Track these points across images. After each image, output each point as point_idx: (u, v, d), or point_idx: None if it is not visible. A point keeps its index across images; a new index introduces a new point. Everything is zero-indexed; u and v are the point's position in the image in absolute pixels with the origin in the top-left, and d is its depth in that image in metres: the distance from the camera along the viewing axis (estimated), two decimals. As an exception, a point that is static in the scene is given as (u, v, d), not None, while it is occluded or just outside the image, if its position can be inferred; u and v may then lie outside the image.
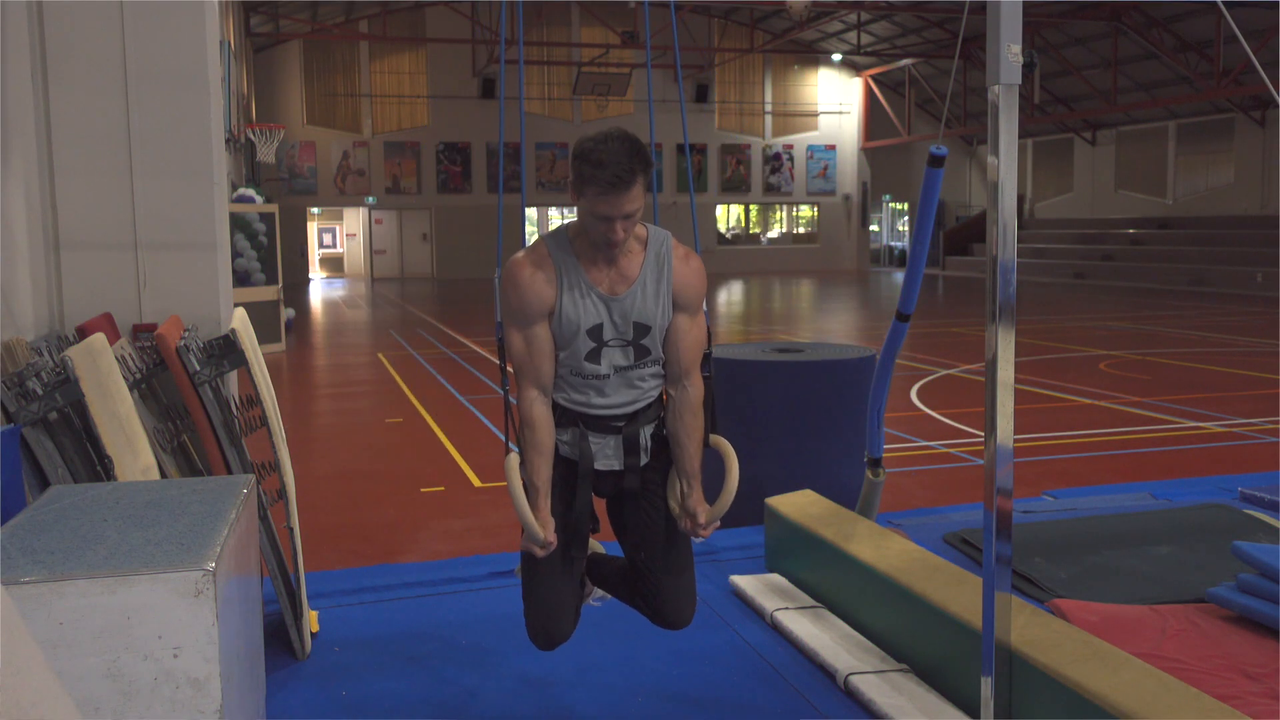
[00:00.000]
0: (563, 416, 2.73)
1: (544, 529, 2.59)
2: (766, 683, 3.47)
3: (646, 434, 2.77)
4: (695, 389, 2.77)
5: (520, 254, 2.67)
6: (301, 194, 30.68)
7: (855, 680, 3.34)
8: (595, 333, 2.62)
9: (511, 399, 2.80)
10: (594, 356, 2.64)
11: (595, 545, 3.11)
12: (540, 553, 2.60)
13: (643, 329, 2.65)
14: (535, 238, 2.70)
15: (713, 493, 2.77)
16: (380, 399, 10.57)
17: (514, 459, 2.68)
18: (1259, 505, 5.06)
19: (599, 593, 3.11)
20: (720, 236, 35.23)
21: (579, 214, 2.58)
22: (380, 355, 14.03)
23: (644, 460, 2.77)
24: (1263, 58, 21.42)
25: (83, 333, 3.71)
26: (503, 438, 8.13)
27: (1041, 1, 23.52)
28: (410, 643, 3.79)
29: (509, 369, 2.75)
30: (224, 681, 2.19)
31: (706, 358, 2.84)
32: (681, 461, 2.78)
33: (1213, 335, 15.26)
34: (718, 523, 2.76)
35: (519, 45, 3.44)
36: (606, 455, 2.73)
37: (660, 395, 2.81)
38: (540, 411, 2.66)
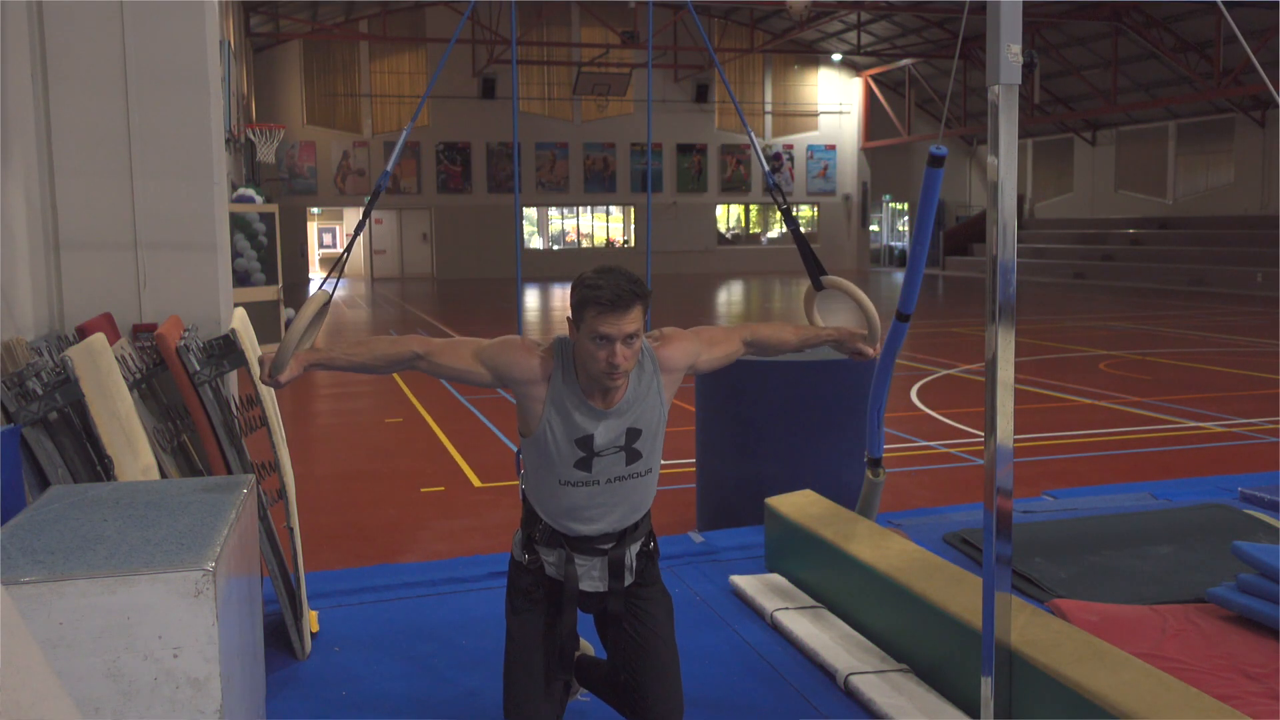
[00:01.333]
0: (550, 538, 2.71)
1: (287, 368, 2.57)
2: (766, 683, 3.47)
3: (632, 553, 2.75)
4: (759, 329, 2.93)
5: (533, 341, 2.68)
6: (301, 194, 30.68)
7: (855, 680, 3.34)
8: (585, 443, 2.60)
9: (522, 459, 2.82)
10: (585, 465, 2.62)
11: (584, 646, 3.10)
12: (265, 379, 2.59)
13: (634, 433, 2.63)
14: (553, 338, 2.68)
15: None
16: (380, 399, 10.57)
17: (321, 295, 2.70)
18: (1259, 505, 5.06)
19: (584, 691, 3.10)
20: (720, 236, 35.22)
21: (579, 347, 2.55)
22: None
23: (629, 580, 2.75)
24: (1263, 58, 21.42)
25: (83, 333, 3.71)
26: (505, 439, 8.12)
27: (1041, 1, 23.52)
28: (410, 643, 3.79)
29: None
30: (224, 681, 2.19)
31: (788, 214, 3.40)
32: (818, 341, 2.99)
33: (1213, 335, 15.26)
34: (879, 338, 3.01)
35: (513, 45, 3.42)
36: (592, 577, 2.72)
37: (649, 511, 2.80)
38: (391, 350, 2.66)
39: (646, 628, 2.76)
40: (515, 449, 2.86)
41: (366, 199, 2.88)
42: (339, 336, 17.08)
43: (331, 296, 2.77)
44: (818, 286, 3.21)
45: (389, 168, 3.11)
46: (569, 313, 2.56)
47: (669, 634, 2.80)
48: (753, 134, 3.60)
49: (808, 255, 3.26)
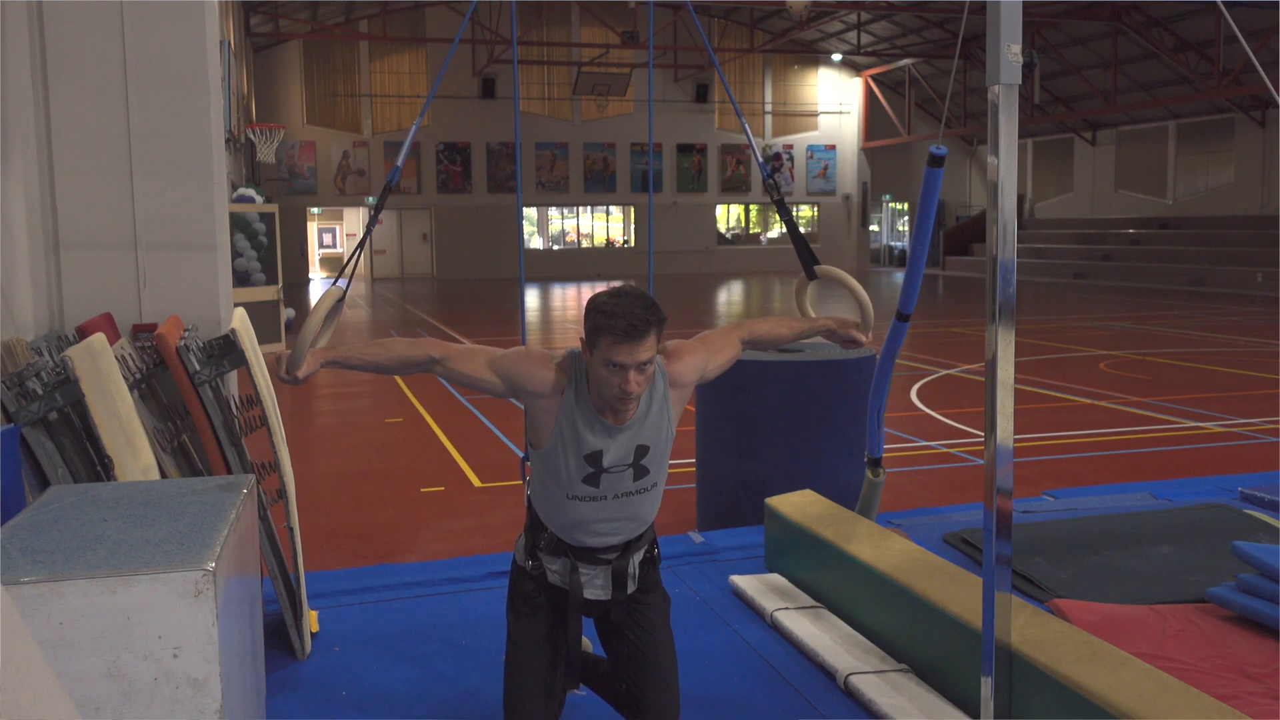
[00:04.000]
0: (555, 547, 2.71)
1: (304, 363, 2.56)
2: (766, 683, 3.47)
3: (635, 562, 2.76)
4: (753, 325, 2.96)
5: (550, 353, 2.68)
6: (301, 194, 30.68)
7: (855, 680, 3.34)
8: (595, 459, 2.59)
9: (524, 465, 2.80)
10: (593, 480, 2.62)
11: (584, 643, 3.09)
12: (284, 376, 2.57)
13: (643, 450, 2.63)
14: (565, 353, 2.68)
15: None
16: (380, 399, 10.57)
17: (334, 293, 2.69)
18: (1259, 505, 5.06)
19: (582, 686, 3.11)
20: (720, 236, 35.22)
21: (591, 370, 2.53)
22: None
23: (632, 588, 2.77)
24: (1263, 58, 21.43)
25: (83, 333, 3.71)
26: (505, 439, 8.12)
27: (1041, 1, 23.51)
28: (410, 643, 3.79)
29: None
30: (224, 681, 2.19)
31: (781, 204, 3.38)
32: (812, 333, 3.03)
33: (1213, 335, 15.26)
34: (871, 325, 3.02)
35: (513, 44, 3.43)
36: (596, 586, 2.73)
37: (653, 523, 2.81)
38: (395, 350, 2.67)
39: (646, 633, 2.77)
40: (521, 454, 2.87)
41: (370, 200, 2.89)
42: (345, 335, 17.08)
43: (345, 294, 2.78)
44: (810, 276, 3.24)
45: (399, 163, 3.10)
46: (582, 333, 2.54)
47: (667, 638, 2.81)
48: (748, 127, 3.60)
49: (801, 245, 3.28)
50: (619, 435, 2.59)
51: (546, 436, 2.60)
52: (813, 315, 3.15)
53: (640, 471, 2.64)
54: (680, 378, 2.70)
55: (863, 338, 2.99)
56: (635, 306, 2.45)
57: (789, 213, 3.34)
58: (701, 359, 2.76)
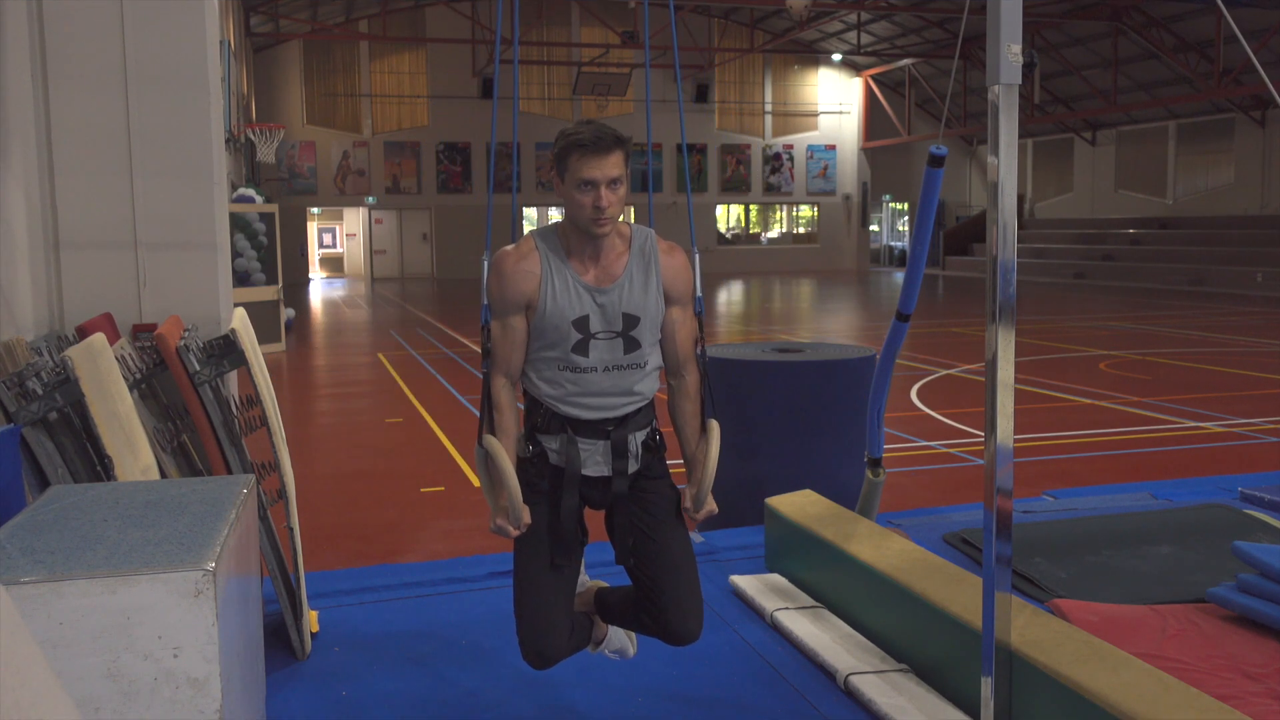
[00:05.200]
0: (550, 422, 2.71)
1: (519, 509, 2.59)
2: (766, 683, 3.47)
3: (637, 440, 2.74)
4: (692, 377, 2.82)
5: (507, 247, 2.73)
6: (301, 194, 30.67)
7: (855, 680, 3.34)
8: (581, 324, 2.63)
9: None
10: (581, 349, 2.64)
11: (601, 583, 3.08)
12: (514, 532, 2.61)
13: (632, 320, 2.65)
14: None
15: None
16: (380, 399, 10.57)
17: (494, 442, 2.68)
18: (1259, 505, 5.06)
19: (615, 644, 3.08)
20: (720, 236, 35.22)
21: (566, 201, 2.62)
22: (380, 355, 14.03)
23: (633, 466, 2.75)
24: (1263, 58, 21.43)
25: (83, 333, 3.71)
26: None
27: (1041, 1, 23.52)
28: (410, 643, 3.79)
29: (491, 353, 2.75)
30: (224, 681, 2.19)
31: (700, 344, 2.85)
32: (683, 449, 2.83)
33: (1213, 335, 15.26)
34: (712, 507, 2.74)
35: (514, 42, 3.43)
36: (595, 461, 2.72)
37: (652, 402, 2.80)
38: (505, 397, 2.74)
39: (655, 519, 2.75)
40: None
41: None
42: (344, 337, 17.08)
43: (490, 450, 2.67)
44: (701, 427, 2.86)
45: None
46: (553, 168, 2.62)
47: (680, 527, 2.78)
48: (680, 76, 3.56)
49: (706, 396, 2.89)
50: (602, 298, 2.64)
51: (534, 310, 2.66)
52: (702, 459, 2.77)
53: (630, 344, 2.67)
54: (667, 270, 2.72)
55: (690, 509, 2.74)
56: (600, 126, 2.57)
57: (705, 359, 2.91)
58: (683, 284, 2.76)
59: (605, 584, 3.08)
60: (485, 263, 2.74)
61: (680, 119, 3.21)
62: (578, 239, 2.65)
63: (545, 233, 2.71)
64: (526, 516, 2.61)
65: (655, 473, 2.80)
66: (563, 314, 2.63)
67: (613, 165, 2.55)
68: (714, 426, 2.79)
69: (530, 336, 2.70)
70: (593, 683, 3.44)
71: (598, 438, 2.71)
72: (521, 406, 2.81)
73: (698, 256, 2.85)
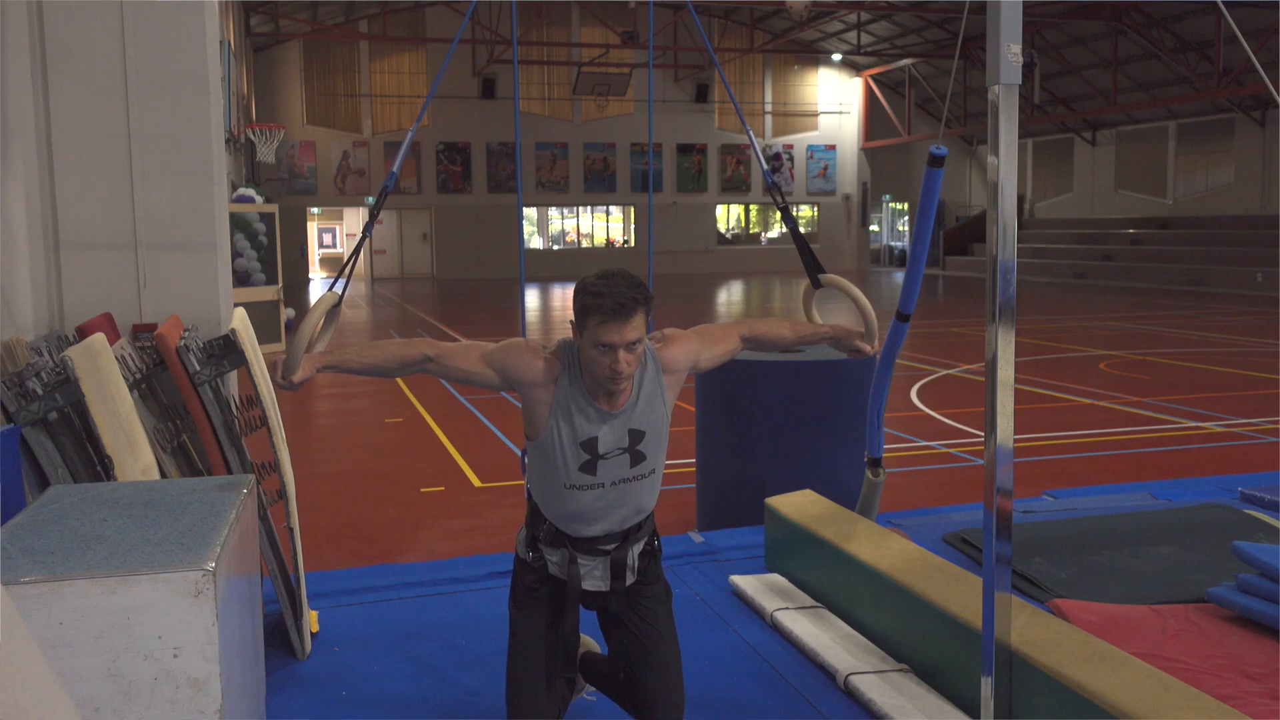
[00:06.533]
0: (554, 538, 2.73)
1: (299, 368, 2.60)
2: (766, 683, 3.47)
3: (634, 553, 2.77)
4: (767, 326, 2.98)
5: (543, 344, 2.70)
6: (301, 194, 30.67)
7: (855, 680, 3.34)
8: (590, 445, 2.62)
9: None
10: (590, 468, 2.63)
11: (589, 643, 3.13)
12: (280, 382, 2.62)
13: (638, 434, 2.65)
14: (556, 344, 2.71)
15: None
16: (380, 399, 10.57)
17: (330, 297, 2.71)
18: (1259, 505, 5.06)
19: (591, 688, 3.12)
20: (720, 236, 35.21)
21: (582, 352, 2.57)
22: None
23: (630, 580, 2.78)
24: (1263, 58, 21.42)
25: (83, 333, 3.71)
26: (505, 439, 8.08)
27: (1041, 1, 23.51)
28: (410, 643, 3.79)
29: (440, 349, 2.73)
30: (224, 681, 2.19)
31: (786, 212, 3.40)
32: (816, 338, 3.02)
33: (1213, 335, 15.26)
34: (875, 335, 3.02)
35: (514, 42, 3.44)
36: (594, 577, 2.75)
37: (653, 512, 2.83)
38: (402, 353, 2.69)
39: (648, 624, 2.78)
40: (519, 451, 2.89)
41: (369, 200, 2.90)
42: (345, 337, 17.08)
43: (341, 298, 2.78)
44: (816, 285, 3.24)
45: (395, 168, 3.11)
46: (571, 316, 2.57)
47: (670, 630, 2.82)
48: (751, 132, 3.60)
49: (806, 254, 3.28)
50: (613, 421, 2.62)
51: (542, 426, 2.63)
52: (819, 322, 3.15)
53: (637, 457, 2.66)
54: (672, 363, 2.72)
55: (868, 348, 3.00)
56: (622, 286, 2.49)
57: (794, 221, 3.33)
58: (695, 346, 2.78)
59: (595, 646, 3.13)
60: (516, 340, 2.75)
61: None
62: (592, 379, 2.61)
63: (571, 353, 2.65)
64: (296, 376, 2.60)
65: (649, 578, 2.83)
66: (574, 436, 2.61)
67: (633, 330, 2.49)
68: (835, 277, 3.11)
69: (540, 456, 2.68)
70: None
71: (598, 556, 2.73)
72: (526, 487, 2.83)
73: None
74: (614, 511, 2.69)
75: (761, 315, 20.22)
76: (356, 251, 2.89)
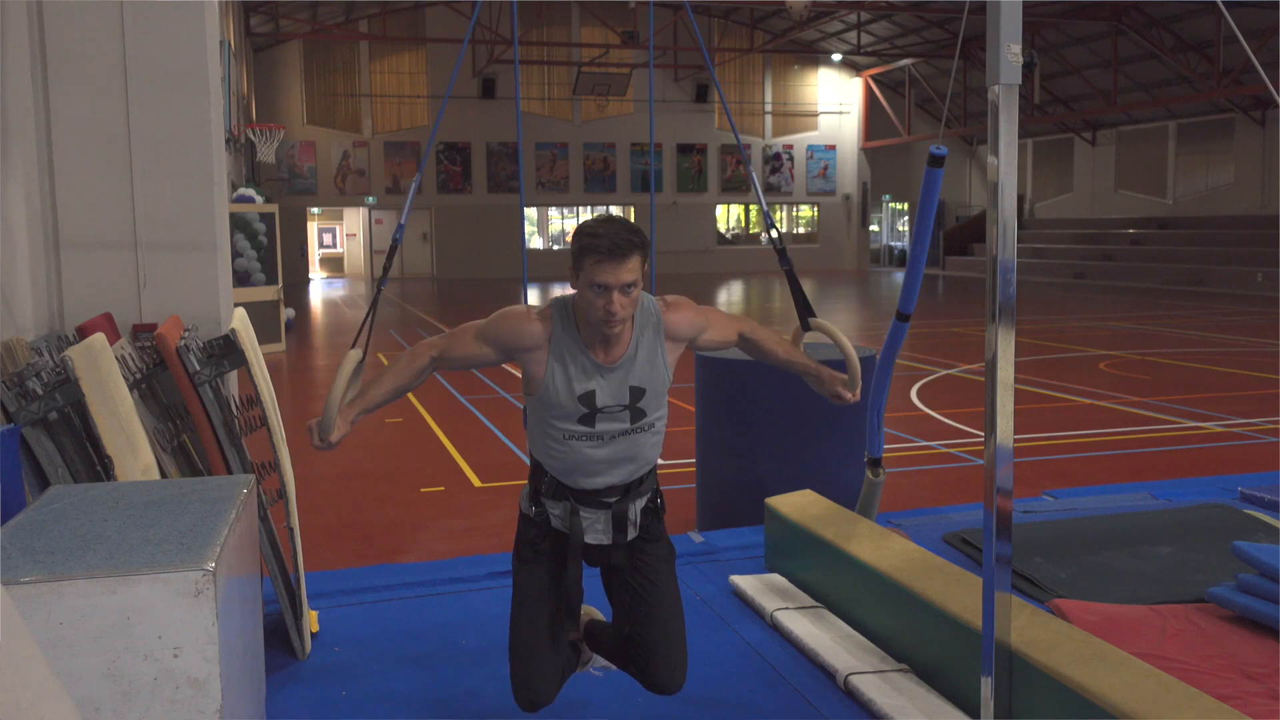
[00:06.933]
0: (556, 491, 2.75)
1: (336, 427, 2.61)
2: (766, 683, 3.47)
3: (636, 509, 2.79)
4: (764, 338, 2.96)
5: (529, 307, 2.72)
6: (301, 194, 30.67)
7: (855, 680, 3.34)
8: (588, 399, 2.63)
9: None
10: (588, 421, 2.65)
11: (593, 612, 3.14)
12: (318, 444, 2.62)
13: (638, 392, 2.67)
14: (548, 300, 2.74)
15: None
16: (380, 399, 10.55)
17: (355, 355, 2.71)
18: (1259, 505, 5.06)
19: (600, 662, 3.13)
20: (720, 236, 35.21)
21: (578, 295, 2.60)
22: (380, 355, 14.02)
23: (632, 534, 2.80)
24: (1263, 58, 21.42)
25: (83, 333, 3.71)
26: (505, 439, 8.09)
27: (1041, 1, 23.51)
28: (410, 643, 3.79)
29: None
30: (224, 681, 2.19)
31: (782, 254, 3.19)
32: (801, 368, 3.00)
33: (1213, 335, 15.26)
34: (859, 384, 2.97)
35: (514, 42, 3.44)
36: (596, 530, 2.77)
37: (655, 467, 2.85)
38: (413, 366, 2.70)
39: (650, 581, 2.79)
40: (521, 405, 2.91)
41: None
42: (344, 337, 17.08)
43: (364, 358, 2.76)
44: (805, 328, 3.18)
45: (403, 219, 3.11)
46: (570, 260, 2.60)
47: (672, 587, 2.83)
48: (749, 161, 3.60)
49: (799, 296, 3.19)
50: (610, 374, 2.64)
51: (539, 383, 2.66)
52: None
53: (637, 414, 2.68)
54: (674, 329, 2.73)
55: (849, 395, 2.96)
56: (619, 229, 2.53)
57: (790, 263, 3.23)
58: (700, 322, 2.80)
59: (598, 614, 3.14)
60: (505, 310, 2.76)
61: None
62: (588, 325, 2.64)
63: (564, 307, 2.68)
64: (333, 435, 2.60)
65: (652, 535, 2.85)
66: (570, 389, 2.63)
67: (628, 271, 2.51)
68: (824, 323, 3.06)
69: (539, 408, 2.70)
70: (593, 682, 3.43)
71: (600, 508, 2.75)
72: (527, 461, 2.83)
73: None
74: (615, 464, 2.70)
75: (761, 317, 20.21)
76: (374, 308, 2.84)
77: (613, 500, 2.74)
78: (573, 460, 2.69)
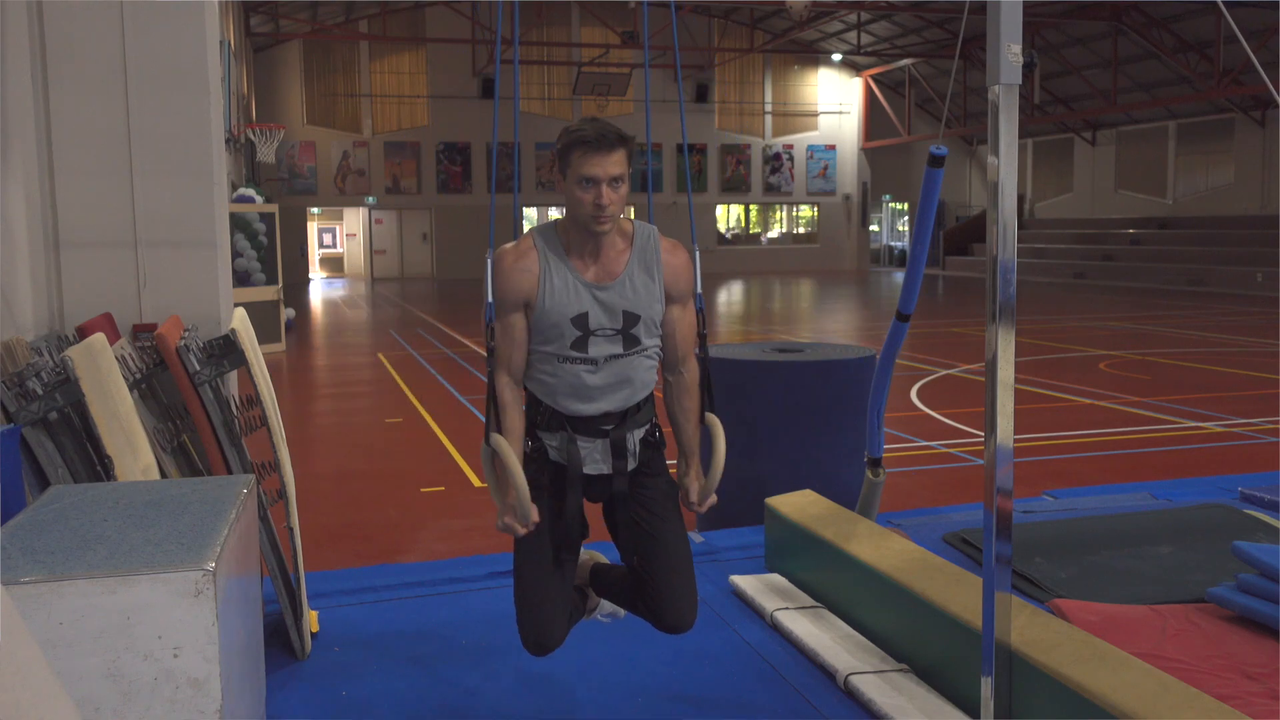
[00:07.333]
0: (551, 420, 2.74)
1: (528, 504, 2.61)
2: (766, 683, 3.47)
3: (635, 438, 2.78)
4: (690, 373, 2.86)
5: (507, 245, 2.74)
6: (301, 194, 30.68)
7: (855, 680, 3.34)
8: (580, 321, 2.64)
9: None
10: (581, 345, 2.66)
11: (598, 556, 3.12)
12: (522, 530, 2.63)
13: (632, 318, 2.68)
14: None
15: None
16: (380, 399, 10.57)
17: (502, 439, 2.71)
18: (1259, 505, 5.06)
19: (607, 608, 3.11)
20: (720, 236, 35.22)
21: (567, 197, 2.63)
22: (380, 355, 14.02)
23: (632, 464, 2.78)
24: (1263, 58, 21.42)
25: (83, 333, 3.71)
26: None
27: (1041, 1, 23.51)
28: (410, 643, 3.79)
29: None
30: (224, 681, 2.19)
31: (702, 339, 2.89)
32: (680, 441, 2.89)
33: (1213, 335, 15.26)
34: (713, 498, 2.82)
35: (514, 41, 3.44)
36: (595, 459, 2.75)
37: (653, 395, 2.83)
38: (509, 395, 2.73)
39: (655, 515, 2.78)
40: None
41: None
42: (345, 336, 17.07)
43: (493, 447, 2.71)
44: (700, 419, 2.95)
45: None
46: (557, 164, 2.63)
47: (676, 520, 2.81)
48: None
49: (706, 390, 2.94)
50: (601, 294, 2.65)
51: (533, 308, 2.67)
52: (693, 450, 2.93)
53: (630, 340, 2.69)
54: (669, 269, 2.74)
55: (694, 501, 2.81)
56: (604, 125, 2.58)
57: (706, 355, 2.95)
58: (683, 280, 2.78)
59: (602, 557, 3.12)
60: (489, 261, 2.74)
61: (681, 115, 3.21)
62: (578, 236, 2.65)
63: (545, 230, 2.71)
64: (534, 515, 2.63)
65: (654, 469, 2.83)
66: (561, 311, 2.64)
67: (615, 163, 2.55)
68: (715, 421, 2.86)
69: (530, 332, 2.71)
70: (593, 682, 3.44)
71: (597, 436, 2.73)
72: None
73: (698, 255, 2.87)
74: (610, 390, 2.70)
75: (762, 317, 20.21)
76: (492, 395, 2.74)
77: (610, 428, 2.73)
78: (569, 383, 2.68)
